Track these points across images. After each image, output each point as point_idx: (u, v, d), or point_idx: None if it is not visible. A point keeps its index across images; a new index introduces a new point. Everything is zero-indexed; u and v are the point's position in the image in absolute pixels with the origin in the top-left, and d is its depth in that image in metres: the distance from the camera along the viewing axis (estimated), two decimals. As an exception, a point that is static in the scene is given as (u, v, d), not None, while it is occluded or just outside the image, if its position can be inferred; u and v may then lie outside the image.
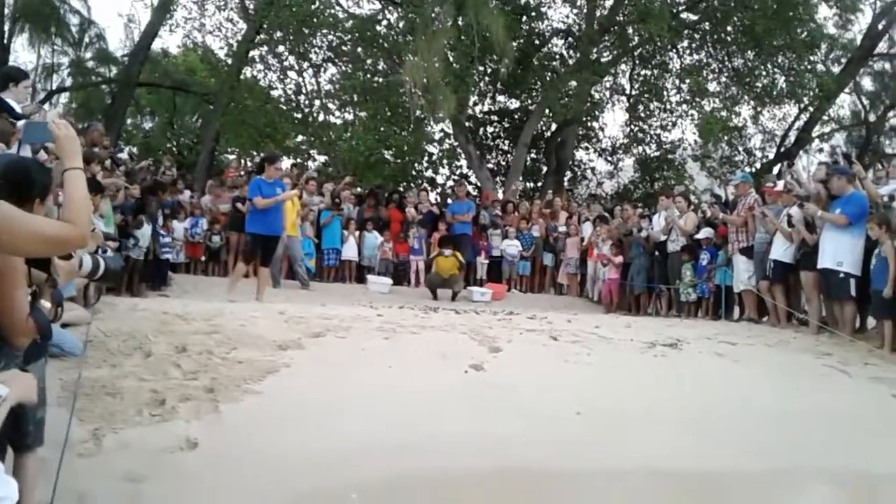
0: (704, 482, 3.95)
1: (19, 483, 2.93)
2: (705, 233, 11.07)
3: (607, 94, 22.80)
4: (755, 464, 4.26)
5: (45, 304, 2.63)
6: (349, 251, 14.09)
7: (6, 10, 19.66)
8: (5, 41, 19.70)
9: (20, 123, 5.27)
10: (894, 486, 4.12)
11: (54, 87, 23.47)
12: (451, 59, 17.59)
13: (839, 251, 8.01)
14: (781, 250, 8.99)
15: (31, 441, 3.07)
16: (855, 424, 5.06)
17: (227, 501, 3.44)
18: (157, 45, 23.33)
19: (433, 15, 16.55)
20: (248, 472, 3.73)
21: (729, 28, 19.38)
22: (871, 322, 8.43)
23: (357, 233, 14.18)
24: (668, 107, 22.01)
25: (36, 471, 3.04)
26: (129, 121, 25.57)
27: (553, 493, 3.76)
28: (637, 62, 21.72)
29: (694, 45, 20.83)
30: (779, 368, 6.52)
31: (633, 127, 23.05)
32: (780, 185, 9.85)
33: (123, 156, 12.57)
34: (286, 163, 20.90)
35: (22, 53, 21.88)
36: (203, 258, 13.61)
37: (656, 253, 12.13)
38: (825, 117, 22.18)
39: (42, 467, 3.09)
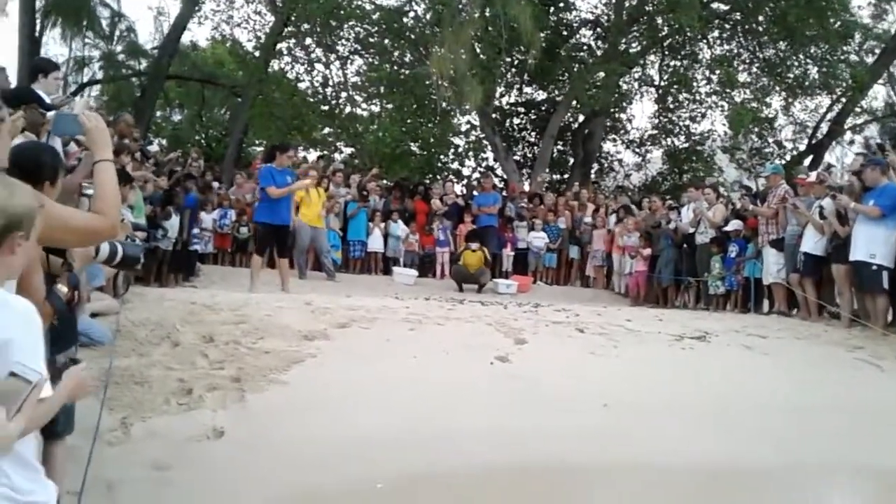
0: (731, 476, 3.90)
1: (48, 470, 2.97)
2: (734, 225, 10.93)
3: (636, 85, 22.56)
4: (782, 458, 4.20)
5: (62, 288, 2.65)
6: (375, 243, 14.10)
7: (38, 4, 19.89)
8: (37, 34, 19.93)
9: (50, 114, 5.32)
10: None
11: (85, 80, 23.76)
12: (477, 50, 17.52)
13: (872, 243, 7.86)
14: (813, 243, 8.85)
15: (60, 429, 3.10)
16: (885, 419, 4.97)
17: (252, 490, 3.46)
18: (185, 38, 23.53)
19: (460, 6, 16.49)
20: (274, 461, 3.74)
21: (760, 18, 19.05)
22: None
23: (383, 224, 14.20)
24: (698, 98, 21.74)
25: (64, 458, 3.08)
26: (158, 113, 25.80)
27: (577, 486, 3.73)
28: (666, 53, 21.41)
29: (724, 36, 20.51)
30: (809, 362, 6.43)
31: (661, 118, 22.79)
32: (813, 176, 9.68)
33: (153, 148, 12.70)
34: (313, 155, 21.07)
35: (53, 47, 22.14)
36: (230, 249, 13.71)
37: (684, 245, 12.01)
38: (858, 108, 21.75)
39: (70, 455, 3.13)
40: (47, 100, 6.02)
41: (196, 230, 12.01)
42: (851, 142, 23.26)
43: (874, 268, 7.79)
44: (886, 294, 7.89)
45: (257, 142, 24.94)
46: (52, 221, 2.25)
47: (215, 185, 14.03)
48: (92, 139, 2.66)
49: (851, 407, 5.18)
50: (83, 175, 4.16)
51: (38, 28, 20.01)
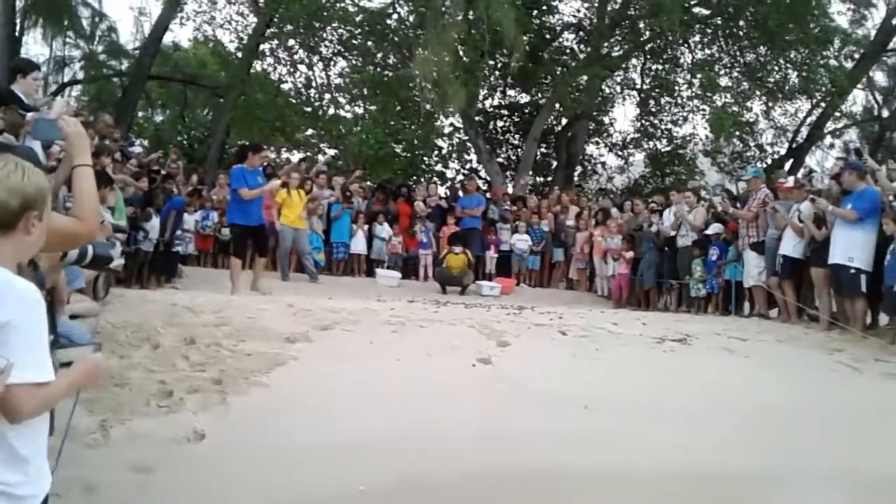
0: (711, 477, 3.93)
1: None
2: (715, 228, 11.01)
3: (618, 88, 22.72)
4: (763, 462, 4.24)
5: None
6: (358, 245, 14.08)
7: (18, 3, 19.71)
8: (17, 34, 19.75)
9: (30, 116, 5.28)
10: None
11: (66, 80, 23.57)
12: (461, 53, 17.53)
13: (850, 247, 7.94)
14: (791, 246, 8.93)
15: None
16: (864, 421, 5.03)
17: (234, 492, 3.45)
18: (168, 39, 23.39)
19: (443, 9, 16.49)
20: (255, 463, 3.73)
21: (741, 23, 19.22)
22: (883, 318, 8.37)
23: (367, 227, 14.18)
24: (679, 102, 21.91)
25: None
26: (140, 114, 25.66)
27: (558, 488, 3.75)
28: (648, 57, 21.58)
29: (705, 40, 20.67)
30: (789, 364, 6.48)
31: (643, 122, 22.98)
32: (791, 181, 9.78)
33: (137, 149, 12.62)
34: (296, 156, 21.02)
35: (34, 46, 22.02)
36: (213, 250, 13.64)
37: (666, 248, 12.08)
38: (837, 113, 21.99)
39: (50, 455, 3.10)
40: (26, 101, 5.98)
41: (178, 231, 11.96)
42: (831, 146, 23.54)
43: (852, 271, 7.87)
44: (864, 297, 7.97)
45: (240, 143, 24.83)
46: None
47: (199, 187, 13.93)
48: (70, 144, 2.67)
49: (831, 409, 5.23)
50: (63, 177, 4.14)
51: (18, 28, 19.82)
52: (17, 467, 1.83)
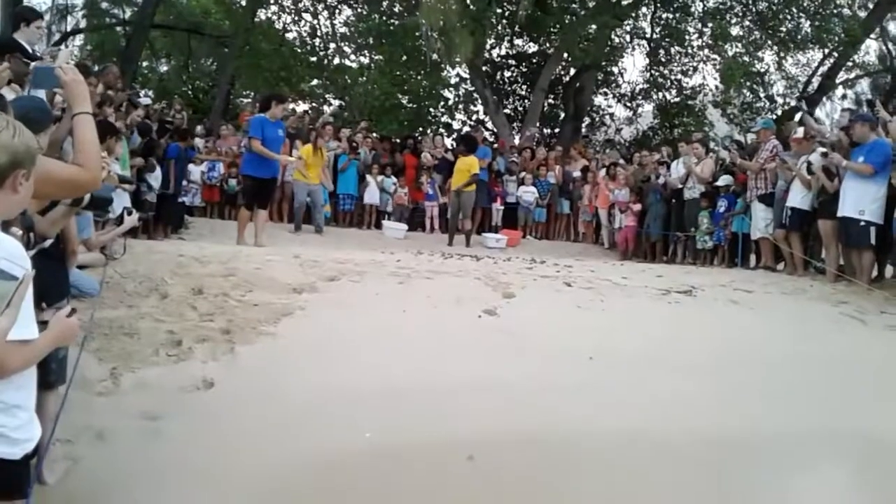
0: (714, 427, 3.97)
1: (40, 419, 3.01)
2: (724, 180, 10.95)
3: (627, 38, 22.32)
4: (765, 412, 4.27)
5: (16, 230, 2.67)
6: (371, 196, 14.05)
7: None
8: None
9: (33, 65, 5.25)
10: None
11: (69, 29, 23.32)
12: (467, 1, 17.26)
13: (861, 200, 7.88)
14: (799, 198, 8.88)
15: (53, 378, 3.15)
16: (866, 372, 5.05)
17: (243, 439, 3.50)
18: (171, -14, 23.05)
19: (450, -45, 16.17)
20: (263, 411, 3.78)
21: (754, -31, 18.86)
22: (889, 271, 8.36)
23: (380, 178, 14.14)
24: (690, 51, 21.56)
25: (54, 408, 3.11)
26: (144, 64, 25.42)
27: (561, 437, 3.79)
28: (658, 5, 21.13)
29: (718, -12, 20.29)
30: (794, 316, 6.50)
31: (653, 72, 22.64)
32: (801, 131, 9.67)
33: (145, 100, 12.54)
34: (302, 107, 20.85)
35: (36, -6, 21.67)
36: (220, 202, 13.64)
37: (673, 200, 12.04)
38: (850, 63, 21.65)
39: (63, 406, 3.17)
40: (30, 49, 5.93)
41: (184, 182, 11.97)
42: (843, 97, 23.20)
43: (862, 223, 7.83)
44: (872, 249, 7.95)
45: (245, 93, 24.66)
46: (38, 174, 2.26)
47: (199, 142, 13.84)
48: (69, 92, 2.66)
49: (836, 361, 5.25)
50: (67, 127, 4.13)
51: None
52: (10, 413, 1.91)
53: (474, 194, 12.76)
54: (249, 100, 23.06)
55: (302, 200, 12.28)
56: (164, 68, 27.85)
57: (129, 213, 5.73)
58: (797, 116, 11.15)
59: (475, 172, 12.54)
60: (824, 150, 8.63)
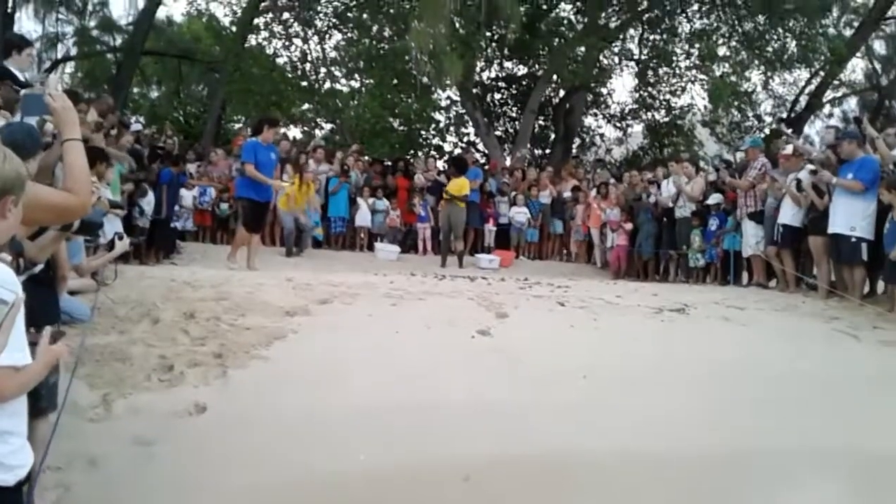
0: (707, 446, 3.96)
1: (31, 446, 2.98)
2: (714, 199, 11.01)
3: (616, 59, 22.53)
4: (759, 428, 4.26)
5: (5, 256, 2.67)
6: (362, 219, 14.06)
7: (10, -20, 19.51)
8: (10, 10, 19.55)
9: (22, 92, 5.26)
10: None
11: (59, 57, 23.37)
12: (457, 24, 17.38)
13: (852, 216, 7.92)
14: (790, 215, 8.93)
15: (44, 405, 3.12)
16: (861, 389, 5.05)
17: (236, 463, 3.48)
18: (161, 13, 23.19)
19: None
20: (257, 435, 3.76)
21: (740, -9, 19.06)
22: (880, 286, 8.38)
23: (371, 200, 14.16)
24: (678, 72, 21.71)
25: (46, 435, 3.08)
26: (135, 90, 25.49)
27: (560, 461, 3.77)
28: (646, 27, 21.36)
29: (703, 9, 20.42)
30: (787, 333, 6.50)
31: (642, 92, 22.82)
32: (790, 148, 9.74)
33: (136, 126, 12.57)
34: (293, 131, 20.92)
35: (27, 23, 21.76)
36: (211, 226, 13.62)
37: (664, 219, 12.09)
38: (836, 82, 21.87)
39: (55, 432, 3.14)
40: (21, 77, 5.95)
41: (176, 207, 11.95)
42: (830, 115, 23.42)
43: (854, 240, 7.87)
44: (864, 265, 7.98)
45: (236, 118, 24.73)
46: (29, 200, 2.26)
47: (190, 167, 13.83)
48: (59, 119, 2.67)
49: (828, 377, 5.26)
50: (57, 153, 4.14)
51: (10, 4, 19.62)
52: (3, 439, 1.91)
53: (464, 212, 12.76)
54: (241, 125, 23.11)
55: (290, 228, 12.29)
56: (154, 94, 27.93)
57: (121, 238, 5.73)
58: (784, 138, 11.25)
59: (465, 194, 12.54)
60: (813, 167, 8.69)
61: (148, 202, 10.08)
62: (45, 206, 2.40)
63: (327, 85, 21.53)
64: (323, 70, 21.68)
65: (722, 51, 20.25)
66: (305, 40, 21.54)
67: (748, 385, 4.97)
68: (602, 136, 24.40)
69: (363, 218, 14.05)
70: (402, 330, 5.61)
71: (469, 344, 5.45)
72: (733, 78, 19.70)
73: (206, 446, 3.64)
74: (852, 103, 24.40)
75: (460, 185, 12.56)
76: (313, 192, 12.65)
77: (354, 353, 5.05)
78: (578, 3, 21.45)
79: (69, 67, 24.39)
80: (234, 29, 21.18)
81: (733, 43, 20.39)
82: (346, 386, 4.44)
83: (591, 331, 6.08)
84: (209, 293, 6.09)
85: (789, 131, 12.03)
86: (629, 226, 12.60)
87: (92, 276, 5.94)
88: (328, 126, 21.98)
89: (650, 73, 22.16)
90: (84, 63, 24.50)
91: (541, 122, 22.57)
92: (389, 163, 16.06)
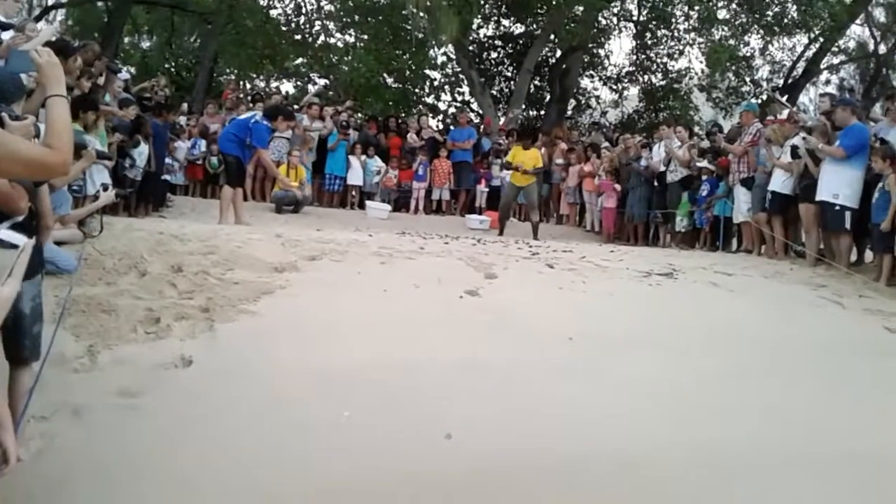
0: (691, 404, 3.99)
1: (13, 395, 2.99)
2: (703, 162, 10.98)
3: (614, 20, 22.22)
4: (742, 385, 4.31)
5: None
6: (354, 177, 13.99)
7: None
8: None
9: (6, 39, 5.18)
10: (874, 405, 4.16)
11: (50, 4, 22.95)
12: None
13: (837, 184, 7.95)
14: (780, 182, 8.93)
15: (27, 354, 3.13)
16: (844, 353, 5.11)
17: (221, 417, 3.49)
18: (153, -39, 22.70)
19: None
20: (242, 389, 3.77)
21: (741, -47, 18.80)
22: (868, 255, 8.43)
23: (363, 157, 14.07)
24: (676, 34, 21.52)
25: (29, 384, 3.09)
26: (126, 40, 25.09)
27: (540, 416, 3.80)
28: (646, -13, 21.12)
29: (705, -30, 20.19)
30: (773, 299, 6.55)
31: (639, 55, 22.60)
32: (785, 113, 9.71)
33: (123, 75, 12.36)
34: (286, 86, 20.68)
35: (16, -32, 21.28)
36: (202, 180, 13.54)
37: (656, 183, 12.07)
38: (835, 49, 21.69)
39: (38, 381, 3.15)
40: (4, 20, 5.86)
41: (168, 160, 11.85)
42: (827, 82, 23.30)
43: (837, 208, 7.90)
44: (849, 234, 8.01)
45: (228, 70, 24.41)
46: (4, 151, 2.23)
47: (182, 119, 13.72)
48: (43, 74, 2.63)
49: (813, 342, 5.31)
50: (39, 101, 4.08)
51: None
52: None
53: (537, 187, 12.54)
54: (233, 77, 22.80)
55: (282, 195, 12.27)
56: (146, 45, 27.50)
57: (105, 189, 5.68)
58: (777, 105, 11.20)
59: (538, 166, 12.18)
60: (804, 134, 8.67)
61: (139, 153, 9.97)
62: (20, 159, 2.35)
63: (321, 39, 21.24)
64: (317, 23, 21.37)
65: (721, 13, 20.01)
66: (300, -8, 21.21)
67: (732, 349, 5.00)
68: (598, 98, 24.24)
69: (355, 176, 13.97)
70: (390, 288, 5.63)
71: (457, 303, 5.47)
72: (732, 41, 19.51)
73: (192, 399, 3.65)
74: (851, 70, 24.23)
75: (534, 158, 12.09)
76: (303, 173, 12.65)
77: (342, 310, 5.07)
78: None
79: (59, 15, 23.92)
80: (227, -21, 20.78)
81: (733, 6, 20.13)
82: (332, 342, 4.46)
83: (579, 293, 6.10)
84: (197, 247, 6.07)
85: (783, 99, 11.97)
86: (618, 187, 12.59)
87: (78, 227, 5.92)
88: (322, 81, 21.70)
89: (648, 35, 21.92)
90: (74, 10, 24.05)
91: (536, 82, 22.37)
92: (382, 120, 15.94)
